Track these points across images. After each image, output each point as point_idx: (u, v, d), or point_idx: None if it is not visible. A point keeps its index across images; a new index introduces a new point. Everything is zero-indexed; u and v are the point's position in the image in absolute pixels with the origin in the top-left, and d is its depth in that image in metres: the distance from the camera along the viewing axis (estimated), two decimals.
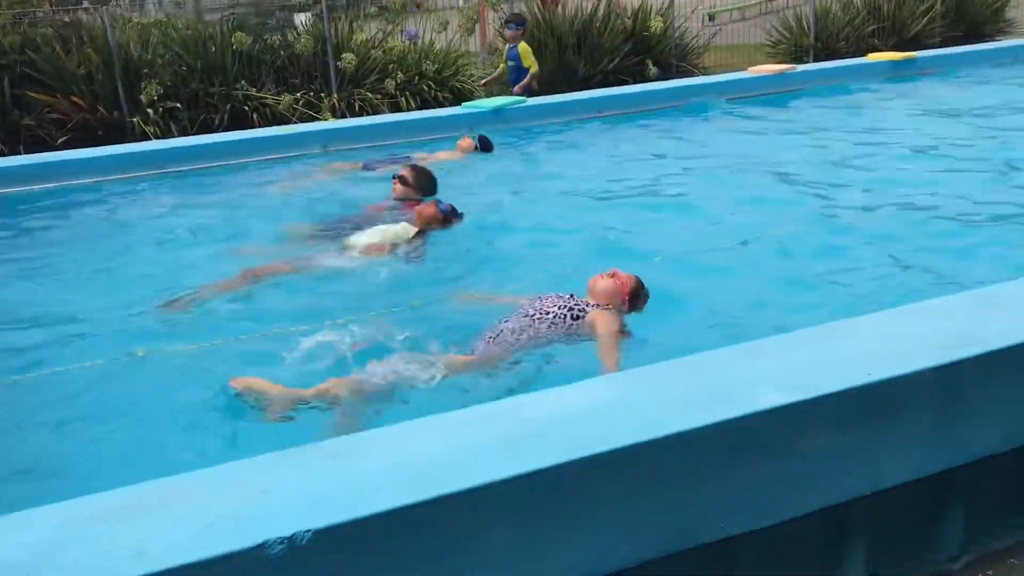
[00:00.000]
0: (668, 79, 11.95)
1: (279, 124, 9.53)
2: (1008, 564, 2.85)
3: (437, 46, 11.71)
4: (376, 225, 5.06)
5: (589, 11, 12.62)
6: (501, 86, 10.90)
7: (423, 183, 5.83)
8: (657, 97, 8.59)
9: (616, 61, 12.11)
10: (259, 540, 1.94)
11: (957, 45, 12.69)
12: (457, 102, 11.16)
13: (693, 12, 14.05)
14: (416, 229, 5.03)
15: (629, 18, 12.52)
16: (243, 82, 10.58)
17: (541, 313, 3.75)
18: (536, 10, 12.55)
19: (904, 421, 2.58)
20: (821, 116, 8.28)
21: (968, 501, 2.83)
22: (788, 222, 5.39)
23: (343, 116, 10.60)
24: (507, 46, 10.67)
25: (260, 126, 10.03)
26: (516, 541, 2.19)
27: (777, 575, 2.62)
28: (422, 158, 7.00)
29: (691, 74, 12.61)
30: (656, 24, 12.33)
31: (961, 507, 2.83)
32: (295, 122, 9.94)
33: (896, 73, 9.37)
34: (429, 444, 2.30)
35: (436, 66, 11.42)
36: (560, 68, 12.11)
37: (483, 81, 11.29)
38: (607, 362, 3.47)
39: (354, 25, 11.53)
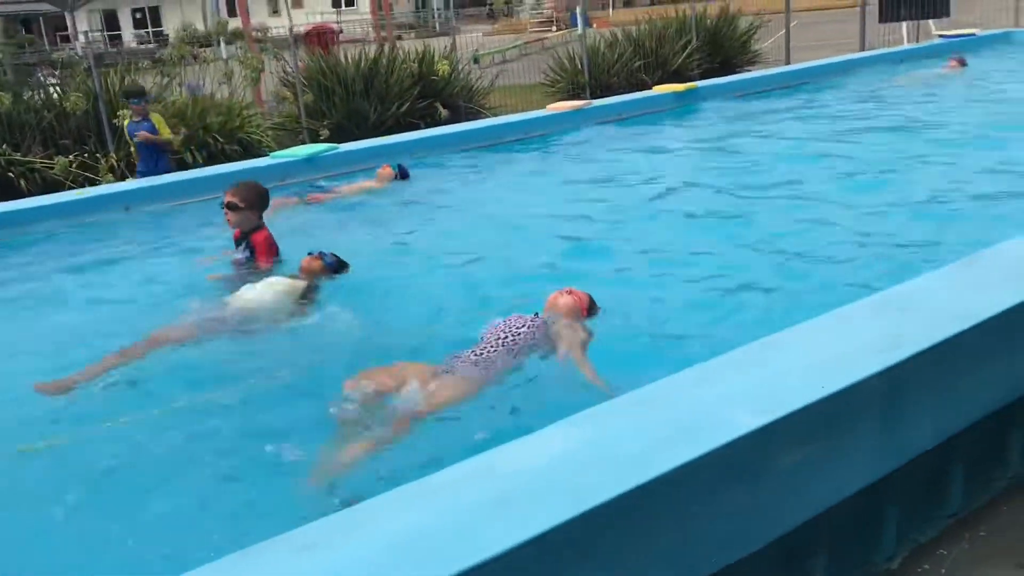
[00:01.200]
0: (458, 121, 12.05)
1: (53, 190, 8.71)
2: (938, 555, 2.95)
3: (218, 97, 11.18)
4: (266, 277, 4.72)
5: (373, 56, 12.51)
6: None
7: (253, 198, 5.26)
8: (471, 137, 8.61)
9: (407, 105, 12.06)
10: None
11: (715, 76, 13.66)
12: (246, 154, 10.70)
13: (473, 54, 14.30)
14: (304, 284, 4.71)
15: (415, 62, 12.52)
16: (4, 146, 9.61)
17: (512, 333, 3.85)
18: (318, 57, 12.30)
19: (856, 429, 2.62)
20: (631, 139, 8.77)
21: (901, 501, 2.92)
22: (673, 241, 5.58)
23: (123, 177, 9.86)
24: (129, 122, 8.59)
25: (32, 193, 9.13)
26: None
27: None
28: (348, 188, 7.26)
29: (479, 115, 12.77)
30: (443, 67, 12.41)
31: (896, 508, 2.91)
32: (71, 187, 9.12)
33: (681, 102, 9.95)
34: (416, 516, 2.07)
35: (221, 118, 10.88)
36: (349, 114, 11.91)
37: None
38: (586, 371, 3.67)
39: (127, 79, 10.78)
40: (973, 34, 14.54)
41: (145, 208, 6.85)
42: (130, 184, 7.64)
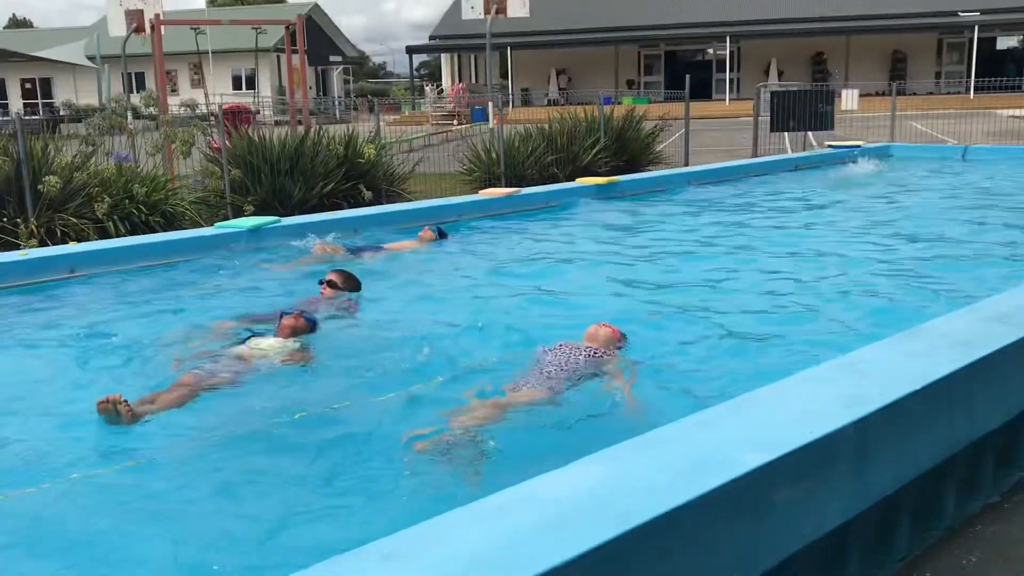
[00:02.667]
0: (380, 203, 12.36)
1: None
2: None
3: (146, 169, 11.17)
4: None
5: (299, 137, 12.75)
6: None
7: (351, 285, 6.28)
8: (409, 216, 8.92)
9: (331, 186, 12.30)
10: None
11: (622, 173, 14.42)
12: (170, 226, 10.69)
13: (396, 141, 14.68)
14: (296, 345, 4.89)
15: (340, 145, 12.81)
16: None
17: (566, 358, 4.57)
18: (245, 135, 12.47)
19: (836, 471, 2.97)
20: (564, 227, 9.48)
21: (859, 543, 3.27)
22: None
23: (43, 244, 9.71)
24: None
25: None
26: None
27: None
28: (394, 246, 8.07)
29: (401, 198, 13.10)
30: (369, 151, 12.73)
31: (856, 549, 3.26)
32: None
33: (602, 194, 10.53)
34: (481, 533, 2.29)
35: (145, 189, 10.87)
36: (274, 191, 12.05)
37: None
38: (627, 393, 4.43)
39: (50, 146, 10.69)
40: (858, 145, 15.84)
41: (91, 271, 6.88)
42: (73, 248, 7.60)
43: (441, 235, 8.41)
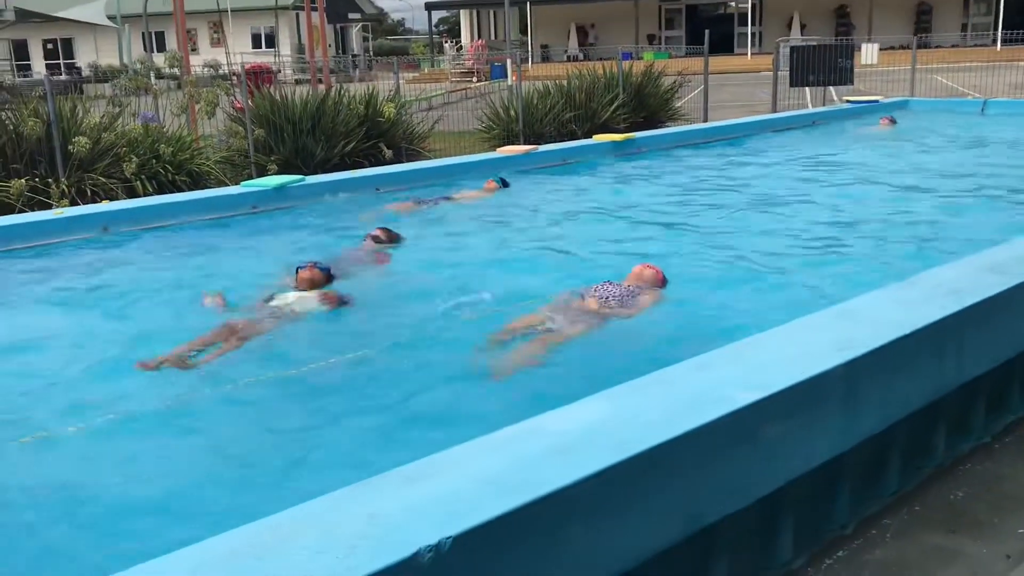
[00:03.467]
0: (399, 161, 12.55)
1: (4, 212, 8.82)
2: (883, 524, 3.54)
3: (171, 129, 11.41)
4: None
5: (320, 96, 12.93)
6: None
7: (395, 240, 6.70)
8: (428, 175, 9.12)
9: (352, 144, 12.50)
10: (411, 551, 2.09)
11: (640, 129, 14.51)
12: (195, 185, 10.95)
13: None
14: (316, 296, 5.18)
15: (361, 104, 12.98)
16: None
17: (613, 293, 5.01)
18: (268, 94, 12.66)
19: (825, 409, 3.19)
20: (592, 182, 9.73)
21: (852, 478, 3.50)
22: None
23: (74, 203, 10.00)
24: None
25: None
26: (587, 532, 2.48)
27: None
28: (461, 195, 8.64)
29: (420, 157, 13.28)
30: (389, 109, 12.90)
31: (847, 484, 3.48)
32: (24, 210, 9.23)
33: (619, 151, 10.68)
34: (493, 459, 2.53)
35: (171, 149, 11.12)
36: (297, 151, 12.27)
37: None
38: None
39: (78, 108, 10.94)
40: (877, 100, 15.82)
41: (124, 227, 7.18)
42: (107, 206, 7.89)
43: (504, 184, 9.06)
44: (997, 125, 13.74)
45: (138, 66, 15.24)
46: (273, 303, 5.14)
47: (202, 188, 10.58)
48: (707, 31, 18.82)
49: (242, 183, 8.68)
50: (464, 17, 51.85)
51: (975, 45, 37.99)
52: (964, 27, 43.53)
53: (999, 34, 36.79)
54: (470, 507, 2.28)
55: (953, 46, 37.95)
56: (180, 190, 10.54)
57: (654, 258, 5.98)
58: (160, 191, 10.51)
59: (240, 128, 12.19)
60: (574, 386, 3.44)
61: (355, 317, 5.30)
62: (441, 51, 50.71)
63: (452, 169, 9.37)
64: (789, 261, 6.40)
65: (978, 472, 3.91)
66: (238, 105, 13.27)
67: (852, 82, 18.05)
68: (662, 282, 5.34)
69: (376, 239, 6.62)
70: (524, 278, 6.05)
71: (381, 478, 2.44)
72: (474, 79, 36.31)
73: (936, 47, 35.70)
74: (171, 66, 12.52)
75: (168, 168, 10.95)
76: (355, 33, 55.42)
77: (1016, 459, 4.02)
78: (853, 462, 3.45)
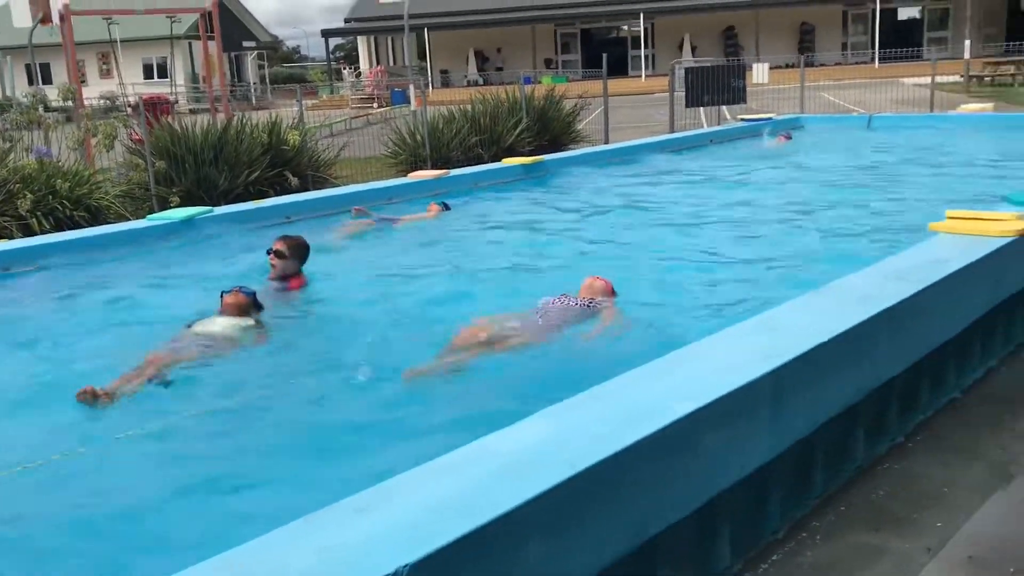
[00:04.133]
0: (307, 189, 12.42)
1: None
2: (812, 527, 3.66)
3: (67, 164, 11.04)
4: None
5: (222, 125, 12.72)
6: None
7: (299, 253, 6.15)
8: (340, 201, 9.05)
9: (256, 173, 12.31)
10: None
11: (545, 152, 14.71)
12: (95, 220, 10.62)
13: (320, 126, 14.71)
14: (245, 322, 5.07)
15: (264, 132, 12.81)
16: None
17: (568, 305, 5.21)
18: (167, 126, 12.38)
19: (756, 416, 3.29)
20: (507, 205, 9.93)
21: (781, 484, 3.61)
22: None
23: None
24: None
25: None
26: (542, 550, 2.50)
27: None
28: (406, 218, 8.90)
29: (328, 184, 13.17)
30: (293, 138, 12.77)
31: (778, 488, 3.60)
32: None
33: (528, 174, 10.82)
34: (442, 484, 2.54)
35: (68, 184, 10.76)
36: (199, 182, 12.03)
37: None
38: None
39: None
40: (770, 118, 16.39)
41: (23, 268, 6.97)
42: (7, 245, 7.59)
43: (446, 207, 9.33)
44: (884, 137, 14.44)
45: (26, 99, 14.71)
46: (196, 329, 5.04)
47: (102, 223, 10.27)
48: (604, 55, 19.23)
49: (148, 216, 8.46)
50: (362, 43, 51.73)
51: (856, 63, 39.79)
52: (844, 46, 45.54)
53: (876, 52, 38.63)
54: (425, 533, 2.28)
55: (836, 64, 39.65)
56: (79, 226, 10.20)
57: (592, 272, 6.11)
58: (58, 228, 10.15)
59: (140, 160, 11.88)
60: (537, 396, 3.53)
61: (283, 340, 5.24)
62: (339, 78, 50.42)
63: (365, 195, 9.34)
64: (707, 272, 6.64)
65: (895, 471, 4.08)
66: (136, 137, 12.94)
67: (745, 101, 18.68)
68: (612, 292, 5.51)
69: (278, 254, 6.09)
70: (468, 297, 6.16)
71: (330, 509, 2.42)
72: (375, 105, 36.23)
73: (820, 65, 37.23)
74: (65, 98, 12.12)
75: (66, 204, 10.59)
76: (250, 61, 54.67)
77: (928, 457, 4.21)
78: (781, 468, 3.56)
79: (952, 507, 3.74)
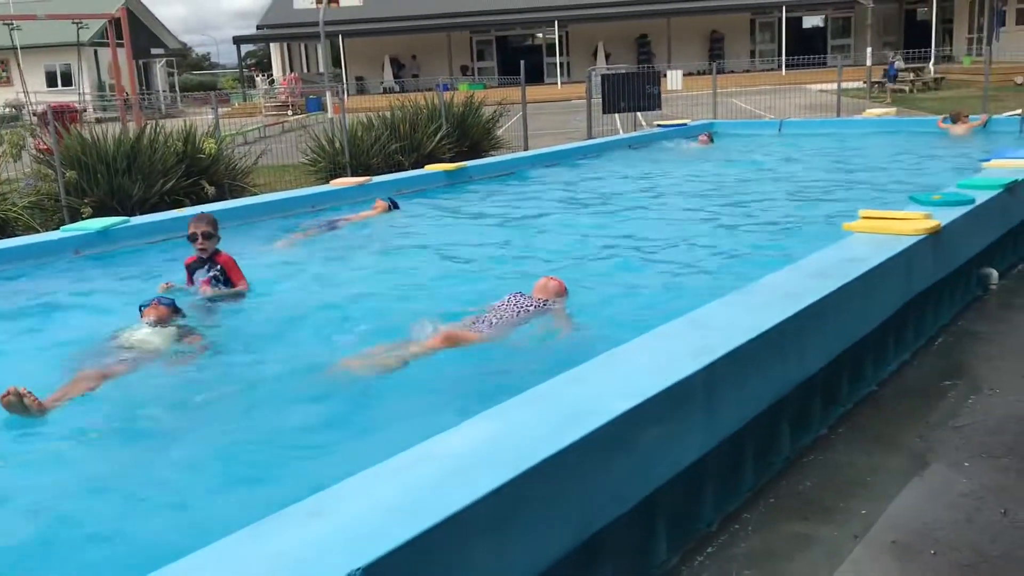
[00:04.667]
0: (224, 199, 12.20)
1: None
2: (744, 519, 3.77)
3: None
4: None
5: (134, 134, 12.41)
6: None
7: (217, 225, 6.32)
8: (261, 210, 8.92)
9: (172, 183, 12.04)
10: None
11: (465, 159, 14.76)
12: (2, 233, 10.27)
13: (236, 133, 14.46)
14: (168, 331, 4.97)
15: (179, 140, 12.55)
16: None
17: (520, 306, 5.29)
18: (77, 135, 12.02)
19: (690, 412, 3.38)
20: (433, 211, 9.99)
21: (713, 478, 3.71)
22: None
23: None
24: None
25: None
26: (490, 549, 2.54)
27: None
28: (354, 216, 9.09)
29: (246, 192, 12.97)
30: (210, 145, 12.53)
31: (711, 483, 3.70)
32: None
33: (451, 180, 10.85)
34: (392, 487, 2.55)
35: None
36: (112, 192, 11.71)
37: None
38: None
39: None
40: (685, 123, 16.75)
41: None
42: None
43: (394, 205, 9.51)
44: (794, 141, 14.91)
45: None
46: (118, 342, 4.93)
47: (10, 236, 9.93)
48: (522, 62, 19.37)
49: (62, 227, 8.21)
50: (275, 50, 50.98)
51: (763, 70, 40.85)
52: (752, 53, 46.74)
53: (783, 60, 39.74)
54: (375, 536, 2.29)
55: (745, 71, 40.65)
56: None
57: (533, 274, 6.26)
58: None
59: (49, 171, 11.51)
60: (491, 393, 3.60)
61: (211, 350, 5.17)
62: (252, 85, 49.60)
63: (286, 203, 9.24)
64: (642, 272, 6.87)
65: (820, 462, 4.23)
66: (43, 147, 12.54)
67: (660, 107, 19.03)
68: (564, 292, 5.65)
69: (206, 236, 6.18)
70: (418, 295, 6.28)
71: (282, 514, 2.41)
72: (289, 112, 35.75)
73: (730, 72, 38.14)
74: None
75: None
76: (159, 68, 53.38)
77: (851, 447, 4.37)
78: (714, 462, 3.66)
79: (875, 495, 3.89)
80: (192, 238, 6.18)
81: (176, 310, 5.30)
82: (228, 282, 6.21)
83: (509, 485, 2.57)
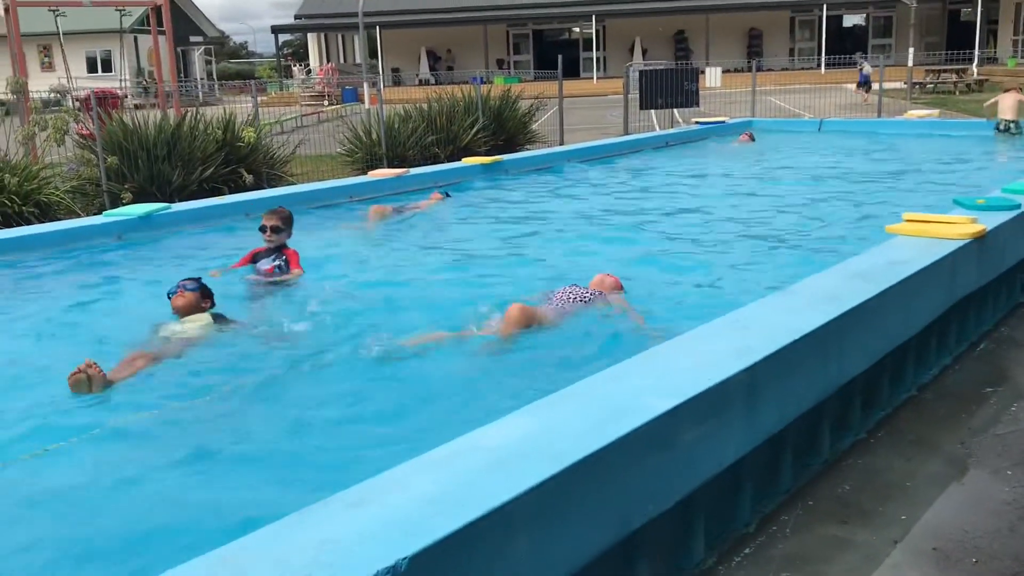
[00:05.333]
0: (261, 187, 12.30)
1: None
2: (782, 520, 3.75)
3: (15, 159, 10.79)
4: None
5: (176, 121, 12.54)
6: None
7: (290, 223, 6.61)
8: (300, 199, 8.97)
9: (211, 170, 12.16)
10: (370, 572, 2.10)
11: (501, 152, 14.77)
12: (44, 217, 10.41)
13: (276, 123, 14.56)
14: (208, 318, 5.02)
15: (218, 128, 12.66)
16: None
17: (578, 295, 5.45)
18: (119, 120, 12.17)
19: (731, 412, 3.36)
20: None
21: (752, 478, 3.69)
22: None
23: None
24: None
25: None
26: (531, 543, 2.54)
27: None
28: (415, 205, 9.53)
29: (283, 182, 13.06)
30: (249, 134, 12.63)
31: (749, 483, 3.68)
32: None
33: (488, 173, 10.86)
34: (434, 478, 2.56)
35: (17, 179, 10.52)
36: (152, 178, 11.84)
37: None
38: (638, 320, 5.40)
39: None
40: (723, 121, 16.64)
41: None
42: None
43: (447, 195, 9.91)
44: (834, 141, 14.77)
45: None
46: (162, 334, 4.98)
47: (52, 219, 10.07)
48: (559, 56, 19.33)
49: (104, 212, 8.32)
50: (312, 40, 51.26)
51: (802, 68, 40.47)
52: (791, 51, 46.31)
53: (823, 58, 39.35)
54: (419, 527, 2.30)
55: (783, 69, 40.29)
56: (28, 222, 10.00)
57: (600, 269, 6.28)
58: (6, 224, 9.93)
59: (91, 156, 11.66)
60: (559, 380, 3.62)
61: (261, 333, 5.25)
62: (289, 75, 49.91)
63: (323, 194, 9.30)
64: (683, 271, 6.87)
65: (859, 466, 4.19)
66: (85, 132, 12.69)
67: (698, 104, 18.93)
68: (620, 288, 5.75)
69: (275, 229, 6.47)
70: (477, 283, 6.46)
71: (324, 504, 2.43)
72: (325, 102, 35.93)
73: (768, 70, 37.84)
74: (13, 91, 11.85)
75: (14, 199, 10.36)
76: (197, 56, 53.87)
77: (890, 452, 4.33)
78: (753, 463, 3.64)
79: (915, 500, 3.85)
80: (261, 229, 6.51)
81: (205, 294, 5.37)
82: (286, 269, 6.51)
83: (551, 480, 2.57)
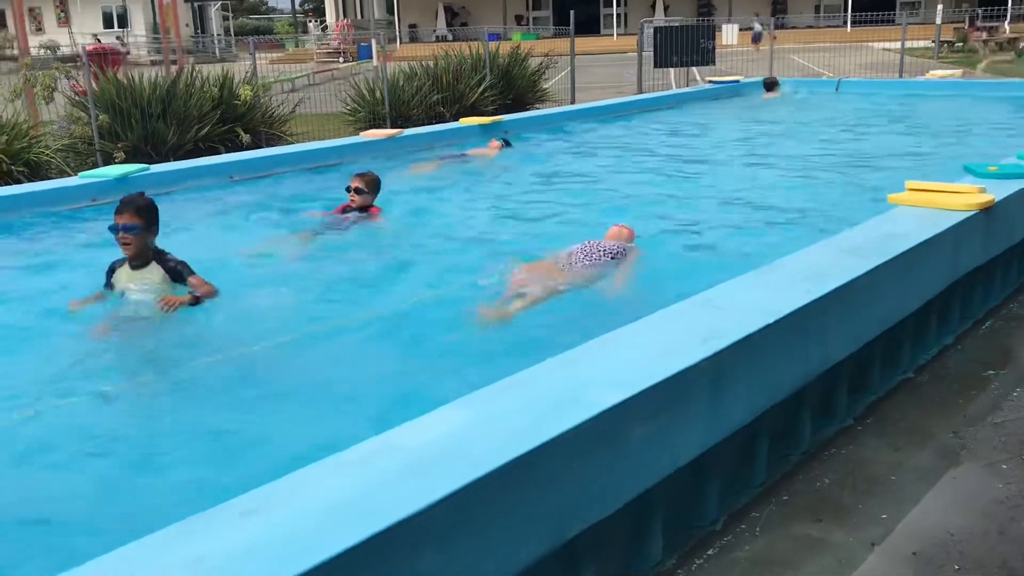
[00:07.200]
0: (259, 146, 12.02)
1: None
2: (752, 517, 3.48)
3: (5, 116, 10.56)
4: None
5: (170, 78, 12.25)
6: None
7: (375, 187, 6.91)
8: (285, 160, 8.70)
9: (207, 129, 11.89)
10: None
11: (508, 112, 14.39)
12: (35, 176, 10.21)
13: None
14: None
15: (215, 86, 12.37)
16: None
17: (600, 249, 5.48)
18: (113, 78, 11.89)
19: (692, 404, 3.08)
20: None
21: (720, 473, 3.42)
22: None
23: None
24: None
25: None
26: (444, 557, 2.28)
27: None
28: (472, 152, 9.80)
29: (281, 141, 12.77)
30: (246, 92, 12.33)
31: (716, 479, 3.40)
32: None
33: (486, 134, 10.50)
34: (340, 483, 2.31)
35: (6, 137, 10.30)
36: (146, 137, 11.59)
37: None
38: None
39: None
40: (738, 80, 16.15)
41: None
42: None
43: (507, 144, 10.05)
44: (851, 102, 14.29)
45: None
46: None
47: (42, 179, 9.86)
48: (572, 12, 18.82)
49: (80, 174, 8.07)
50: None
51: (827, 26, 39.51)
52: (817, 8, 45.25)
53: (849, 16, 38.38)
54: (313, 541, 2.05)
55: (808, 27, 39.37)
56: (18, 182, 9.80)
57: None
58: None
59: (83, 113, 11.41)
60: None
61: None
62: (306, 31, 49.39)
63: (311, 155, 9.00)
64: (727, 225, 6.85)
65: (842, 456, 3.91)
66: (79, 89, 12.43)
67: (714, 62, 18.42)
68: (634, 238, 5.82)
69: (358, 191, 6.78)
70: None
71: (212, 513, 2.18)
72: (340, 60, 35.49)
73: (792, 28, 36.97)
74: (3, 47, 11.59)
75: (2, 158, 10.15)
76: (215, 12, 53.38)
77: (878, 440, 4.04)
78: (721, 456, 3.36)
79: (899, 496, 3.57)
80: (347, 189, 6.86)
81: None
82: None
83: (471, 487, 2.31)
